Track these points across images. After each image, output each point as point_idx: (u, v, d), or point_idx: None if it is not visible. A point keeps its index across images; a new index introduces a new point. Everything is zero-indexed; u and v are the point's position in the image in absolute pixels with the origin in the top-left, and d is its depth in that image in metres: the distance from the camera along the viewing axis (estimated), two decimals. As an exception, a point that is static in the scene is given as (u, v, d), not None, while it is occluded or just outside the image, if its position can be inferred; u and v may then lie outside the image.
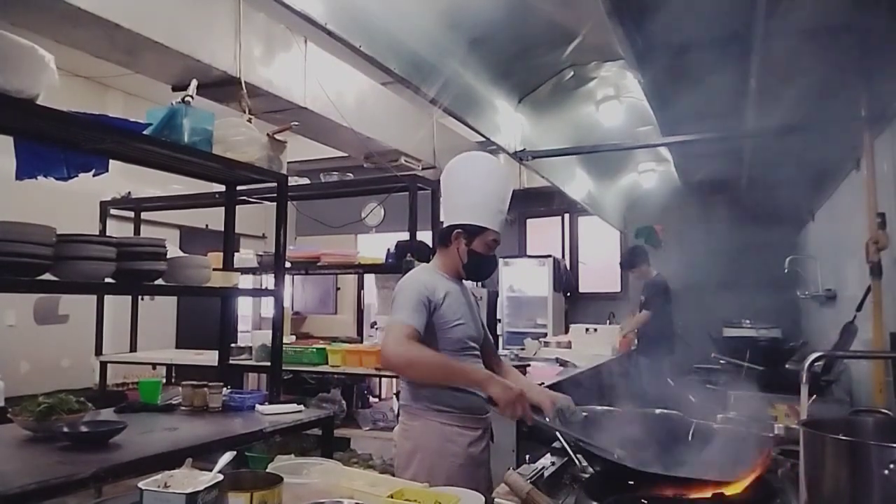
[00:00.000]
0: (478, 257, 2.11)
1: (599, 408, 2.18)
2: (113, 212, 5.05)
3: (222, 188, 3.25)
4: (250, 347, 4.24)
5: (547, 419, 1.94)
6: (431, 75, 2.95)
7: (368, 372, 3.98)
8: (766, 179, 5.14)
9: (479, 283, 6.69)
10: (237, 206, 3.30)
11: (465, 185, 2.13)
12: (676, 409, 2.11)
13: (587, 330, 5.44)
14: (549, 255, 7.73)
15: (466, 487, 1.52)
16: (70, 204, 4.66)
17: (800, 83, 2.98)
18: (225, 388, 2.79)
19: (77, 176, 2.46)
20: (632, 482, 1.45)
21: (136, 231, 5.24)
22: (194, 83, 2.63)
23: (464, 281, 2.22)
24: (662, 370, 5.65)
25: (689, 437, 1.70)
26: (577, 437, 1.72)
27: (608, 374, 4.63)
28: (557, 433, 1.82)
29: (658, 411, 2.15)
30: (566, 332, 6.24)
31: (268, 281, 5.02)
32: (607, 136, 4.68)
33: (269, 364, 3.25)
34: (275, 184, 3.02)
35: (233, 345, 3.95)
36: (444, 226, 2.16)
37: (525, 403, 1.88)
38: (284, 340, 3.67)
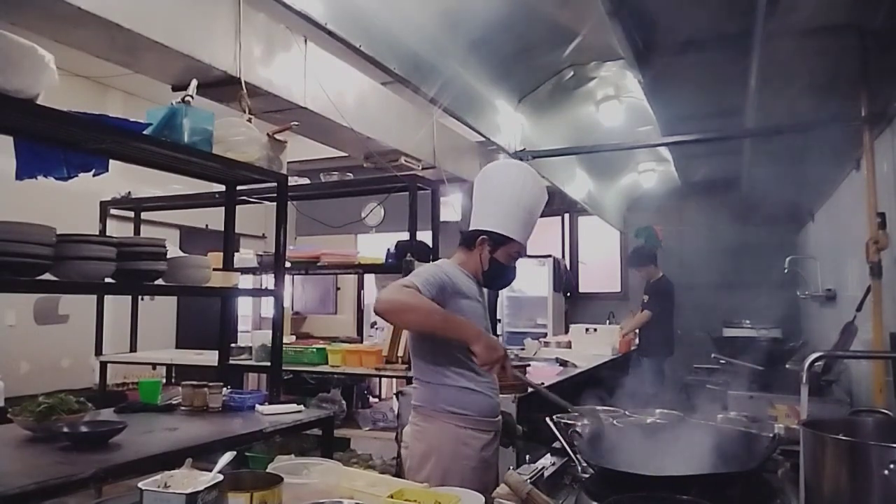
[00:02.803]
0: (499, 266, 2.11)
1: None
2: (113, 212, 5.05)
3: (222, 188, 3.25)
4: (250, 347, 4.24)
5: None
6: (431, 75, 2.95)
7: (368, 372, 3.98)
8: (766, 179, 5.14)
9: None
10: (237, 206, 3.30)
11: (498, 194, 2.11)
12: (676, 409, 2.12)
13: (587, 330, 5.44)
14: (549, 255, 7.72)
15: (478, 490, 1.52)
16: (70, 204, 4.66)
17: (800, 83, 2.98)
18: (225, 388, 2.79)
19: (77, 176, 2.45)
20: (633, 483, 1.45)
21: (136, 231, 5.24)
22: (194, 83, 2.63)
23: None
24: (663, 370, 5.66)
25: (689, 438, 1.70)
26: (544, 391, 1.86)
27: (608, 374, 4.62)
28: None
29: (658, 411, 2.16)
30: (566, 332, 6.23)
31: (268, 281, 5.02)
32: (607, 136, 4.67)
33: (269, 364, 3.25)
34: (275, 184, 3.02)
35: (233, 345, 3.95)
36: (471, 229, 2.14)
37: (507, 363, 1.95)
38: (284, 340, 3.66)
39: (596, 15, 2.56)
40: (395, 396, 3.99)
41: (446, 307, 1.98)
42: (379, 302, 1.92)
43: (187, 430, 2.35)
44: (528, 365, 3.79)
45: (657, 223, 7.18)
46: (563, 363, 4.32)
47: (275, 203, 3.06)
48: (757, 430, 1.85)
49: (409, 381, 3.09)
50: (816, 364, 1.44)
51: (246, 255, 4.65)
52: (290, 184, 3.19)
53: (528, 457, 1.99)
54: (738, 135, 4.01)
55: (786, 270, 4.77)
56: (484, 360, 1.90)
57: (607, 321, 6.85)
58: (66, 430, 2.07)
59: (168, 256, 2.49)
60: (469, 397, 2.02)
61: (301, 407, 2.75)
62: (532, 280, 7.65)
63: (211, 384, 2.72)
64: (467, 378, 2.03)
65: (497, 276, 2.14)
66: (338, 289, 8.58)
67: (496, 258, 2.10)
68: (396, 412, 3.79)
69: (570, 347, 5.07)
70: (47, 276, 2.06)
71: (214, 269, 2.77)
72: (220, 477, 1.21)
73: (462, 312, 2.02)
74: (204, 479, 1.18)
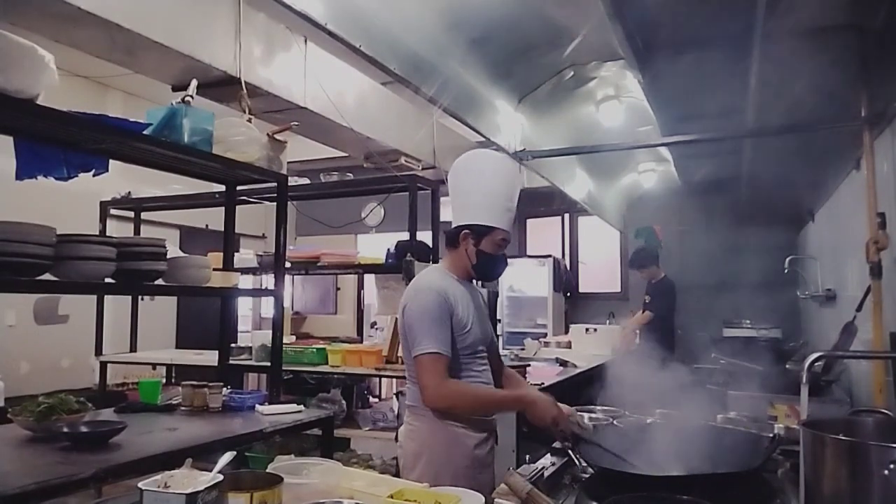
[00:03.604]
0: (487, 257, 2.08)
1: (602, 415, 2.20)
2: (113, 212, 5.05)
3: (222, 188, 3.25)
4: (250, 347, 4.23)
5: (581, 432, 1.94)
6: (431, 75, 2.95)
7: (368, 372, 3.98)
8: (766, 179, 5.15)
9: (480, 283, 6.69)
10: (237, 206, 3.29)
11: (471, 185, 2.09)
12: (676, 409, 2.12)
13: (587, 330, 5.44)
14: (549, 255, 7.73)
15: (471, 489, 1.51)
16: (70, 204, 4.66)
17: (800, 83, 2.98)
18: (225, 388, 2.79)
19: (77, 176, 2.45)
20: (633, 483, 1.45)
21: (136, 231, 5.24)
22: (194, 83, 2.63)
23: (473, 281, 2.21)
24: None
25: (689, 438, 1.70)
26: (615, 453, 1.70)
27: (608, 374, 4.63)
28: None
29: (658, 411, 2.16)
30: (566, 332, 6.24)
31: (268, 281, 5.02)
32: (607, 136, 4.68)
33: (269, 364, 3.25)
34: (275, 184, 3.02)
35: (233, 345, 3.95)
36: (452, 227, 2.12)
37: (560, 419, 1.93)
38: (284, 340, 3.66)
39: (596, 15, 2.57)
40: (395, 396, 4.00)
41: (454, 326, 1.99)
42: (427, 400, 1.95)
43: (187, 430, 2.35)
44: (528, 365, 3.80)
45: (657, 223, 7.19)
46: (563, 363, 4.33)
47: (275, 203, 3.06)
48: (757, 430, 1.85)
49: (409, 381, 3.08)
50: (816, 364, 1.44)
51: (246, 255, 4.65)
52: (290, 184, 3.19)
53: (528, 457, 1.99)
54: (738, 135, 4.01)
55: (786, 270, 4.77)
56: (539, 424, 1.96)
57: (607, 321, 6.86)
58: (66, 430, 2.07)
59: (168, 256, 2.48)
60: None
61: (301, 407, 2.75)
62: (532, 280, 7.65)
63: (211, 384, 2.72)
64: (460, 377, 2.02)
65: (487, 267, 2.12)
66: (338, 289, 8.58)
67: (482, 250, 2.07)
68: (396, 412, 3.80)
69: (570, 347, 5.08)
70: (47, 276, 2.06)
71: (214, 269, 2.77)
72: (220, 477, 1.21)
73: (462, 319, 2.01)
74: (204, 479, 1.18)
